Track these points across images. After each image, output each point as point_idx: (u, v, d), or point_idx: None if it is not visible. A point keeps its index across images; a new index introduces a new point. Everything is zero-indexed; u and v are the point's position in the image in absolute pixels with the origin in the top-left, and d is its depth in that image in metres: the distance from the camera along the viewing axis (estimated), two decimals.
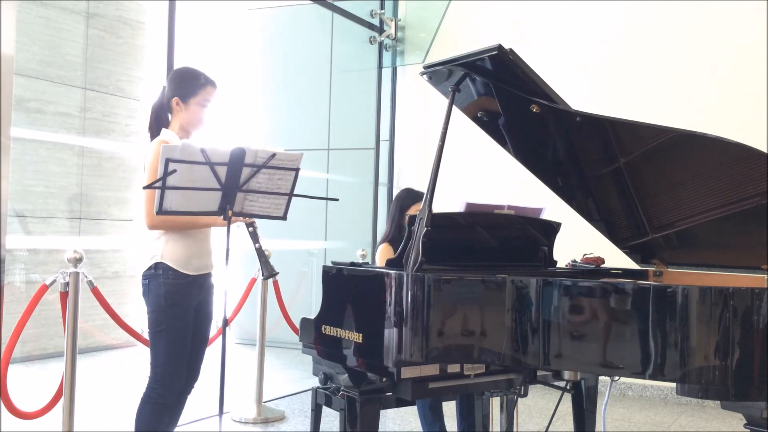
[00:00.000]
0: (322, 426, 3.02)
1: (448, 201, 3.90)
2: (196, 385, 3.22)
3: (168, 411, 3.06)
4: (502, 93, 2.78)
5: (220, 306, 3.11)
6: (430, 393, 2.74)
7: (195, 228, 3.04)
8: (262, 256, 3.00)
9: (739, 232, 2.71)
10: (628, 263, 3.20)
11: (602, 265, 3.33)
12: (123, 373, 6.00)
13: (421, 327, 2.38)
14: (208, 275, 3.16)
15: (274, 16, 7.94)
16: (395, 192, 7.16)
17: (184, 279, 3.01)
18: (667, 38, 5.84)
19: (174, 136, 3.06)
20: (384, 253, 3.63)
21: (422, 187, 2.94)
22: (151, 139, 3.09)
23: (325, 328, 2.69)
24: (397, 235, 3.68)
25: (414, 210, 3.56)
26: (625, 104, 5.68)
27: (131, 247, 7.27)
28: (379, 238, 7.10)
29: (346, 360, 2.61)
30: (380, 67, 7.13)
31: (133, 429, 3.03)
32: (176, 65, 4.53)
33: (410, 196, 3.78)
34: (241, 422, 4.65)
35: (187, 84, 3.09)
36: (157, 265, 3.00)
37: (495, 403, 3.12)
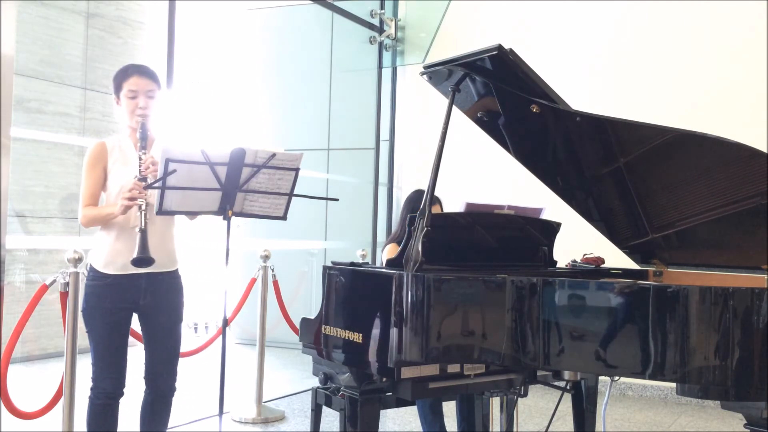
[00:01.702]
0: (322, 426, 3.02)
1: (448, 201, 3.91)
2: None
3: (105, 413, 2.88)
4: (502, 93, 2.78)
5: (220, 306, 3.10)
6: (430, 393, 2.74)
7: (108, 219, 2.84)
8: (142, 239, 2.70)
9: (739, 232, 2.71)
10: (628, 263, 3.20)
11: (602, 265, 3.33)
12: None
13: (421, 327, 2.38)
14: (153, 275, 2.91)
15: (274, 16, 7.94)
16: (395, 192, 7.16)
17: (102, 279, 2.86)
18: (668, 38, 5.84)
19: (115, 138, 2.94)
20: (392, 253, 3.62)
21: (425, 187, 2.93)
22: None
23: (325, 328, 2.69)
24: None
25: None
26: (626, 104, 5.67)
27: None
28: (380, 237, 7.14)
29: (346, 360, 2.61)
30: (380, 67, 7.12)
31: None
32: (176, 65, 4.53)
33: (421, 198, 3.75)
34: (241, 422, 4.64)
35: (115, 80, 2.92)
36: (89, 266, 2.93)
37: (495, 403, 3.12)
